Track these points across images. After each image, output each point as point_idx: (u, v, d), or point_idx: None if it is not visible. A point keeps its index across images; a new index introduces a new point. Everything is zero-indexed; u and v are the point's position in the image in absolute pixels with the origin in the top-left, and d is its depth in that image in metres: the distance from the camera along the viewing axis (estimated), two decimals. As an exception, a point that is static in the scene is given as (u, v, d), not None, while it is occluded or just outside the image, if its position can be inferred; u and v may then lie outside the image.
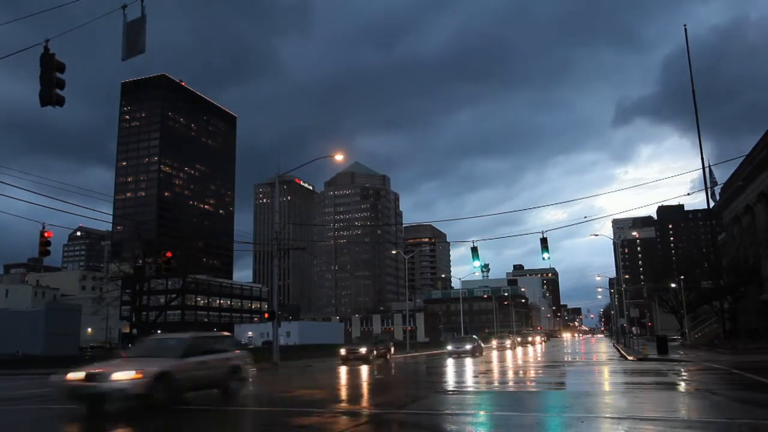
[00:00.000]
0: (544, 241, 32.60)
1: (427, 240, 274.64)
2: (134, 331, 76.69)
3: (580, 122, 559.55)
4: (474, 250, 37.21)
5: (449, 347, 45.48)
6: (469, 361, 35.28)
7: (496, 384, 20.32)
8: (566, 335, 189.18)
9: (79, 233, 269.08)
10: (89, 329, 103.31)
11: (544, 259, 33.85)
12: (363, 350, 36.64)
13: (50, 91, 13.20)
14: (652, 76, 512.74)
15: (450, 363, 33.59)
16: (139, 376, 12.24)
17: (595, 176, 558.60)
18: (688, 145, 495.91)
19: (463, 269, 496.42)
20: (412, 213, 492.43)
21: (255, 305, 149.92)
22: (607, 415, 11.18)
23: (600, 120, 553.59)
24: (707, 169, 52.91)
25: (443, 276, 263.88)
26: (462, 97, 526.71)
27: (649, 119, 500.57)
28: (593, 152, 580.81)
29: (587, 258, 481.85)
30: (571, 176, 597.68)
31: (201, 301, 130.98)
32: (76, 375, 12.63)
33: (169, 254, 31.37)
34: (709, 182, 39.80)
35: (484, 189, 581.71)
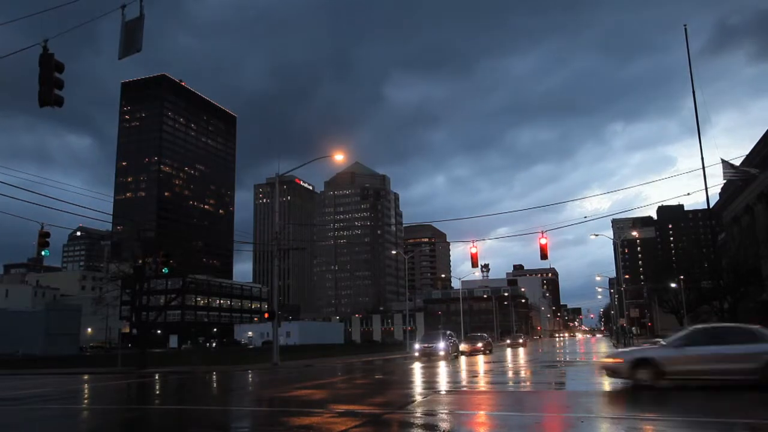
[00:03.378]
0: (543, 246, 32.56)
1: (427, 240, 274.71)
2: (134, 331, 76.65)
3: (658, 71, 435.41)
4: (473, 250, 37.19)
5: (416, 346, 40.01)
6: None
7: (495, 383, 20.31)
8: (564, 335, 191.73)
9: (79, 233, 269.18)
10: (89, 329, 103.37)
11: (543, 258, 33.82)
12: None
13: (49, 92, 13.17)
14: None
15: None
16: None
17: (658, 154, 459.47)
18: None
19: (463, 269, 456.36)
20: (445, 192, 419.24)
21: (255, 305, 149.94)
22: (607, 415, 11.16)
23: (682, 70, 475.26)
24: (706, 169, 52.78)
25: (443, 276, 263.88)
26: (516, 30, 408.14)
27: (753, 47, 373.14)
28: (665, 116, 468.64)
29: (587, 258, 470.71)
30: (634, 152, 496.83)
31: (201, 301, 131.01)
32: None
33: (164, 257, 31.44)
34: (725, 176, 39.69)
35: (536, 164, 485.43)
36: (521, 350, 58.24)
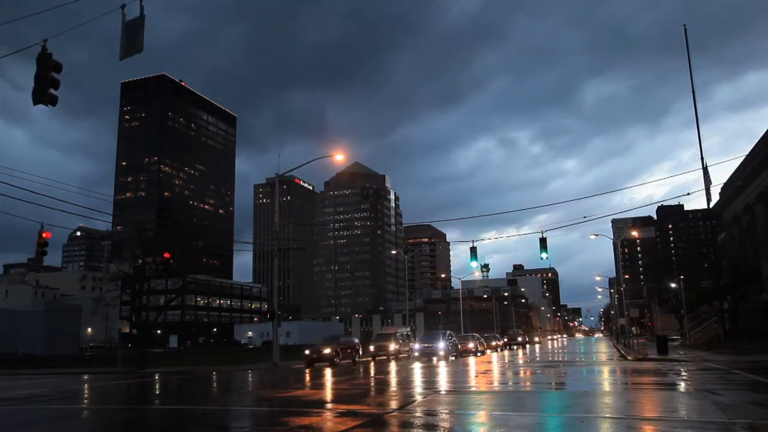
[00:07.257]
0: (543, 241, 32.59)
1: (427, 240, 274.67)
2: (134, 331, 76.65)
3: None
4: (473, 250, 37.19)
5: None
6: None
7: (495, 383, 20.30)
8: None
9: (79, 233, 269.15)
10: (89, 329, 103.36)
11: (542, 258, 33.86)
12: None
13: (44, 90, 13.16)
14: None
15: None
16: None
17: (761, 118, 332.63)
18: None
19: (463, 268, 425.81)
20: (497, 158, 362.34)
21: (255, 305, 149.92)
22: (607, 415, 11.15)
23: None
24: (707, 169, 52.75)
25: (443, 276, 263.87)
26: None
27: None
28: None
29: (587, 258, 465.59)
30: (731, 114, 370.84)
31: (201, 301, 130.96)
32: None
33: (167, 255, 31.40)
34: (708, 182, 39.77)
35: (611, 127, 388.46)
36: (519, 351, 58.23)
